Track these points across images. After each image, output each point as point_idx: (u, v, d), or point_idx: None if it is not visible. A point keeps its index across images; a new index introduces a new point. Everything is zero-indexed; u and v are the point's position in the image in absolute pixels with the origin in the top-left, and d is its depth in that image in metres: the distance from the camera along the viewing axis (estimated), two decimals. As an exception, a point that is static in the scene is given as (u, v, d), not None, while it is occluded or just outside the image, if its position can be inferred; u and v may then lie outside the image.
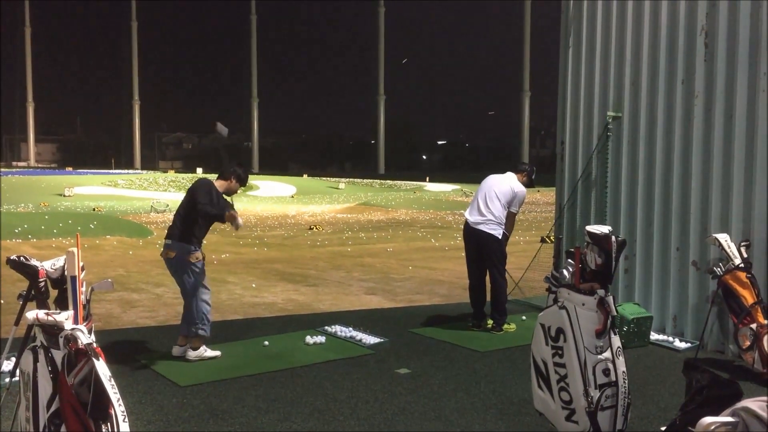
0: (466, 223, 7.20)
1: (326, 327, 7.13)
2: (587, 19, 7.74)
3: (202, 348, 6.04)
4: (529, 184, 7.42)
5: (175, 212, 6.19)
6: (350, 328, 7.03)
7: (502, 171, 7.46)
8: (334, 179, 54.51)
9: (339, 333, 6.92)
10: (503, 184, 7.18)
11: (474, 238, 7.13)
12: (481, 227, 7.05)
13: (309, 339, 6.61)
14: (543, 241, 8.74)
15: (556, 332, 3.96)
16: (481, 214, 7.08)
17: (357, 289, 9.99)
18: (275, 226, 22.01)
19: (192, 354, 6.00)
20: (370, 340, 6.66)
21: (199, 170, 52.56)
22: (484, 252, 7.13)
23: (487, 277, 7.22)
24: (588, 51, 7.75)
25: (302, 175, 56.61)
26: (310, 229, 20.89)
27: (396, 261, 13.34)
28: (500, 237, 7.08)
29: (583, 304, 3.87)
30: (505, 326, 7.13)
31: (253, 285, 10.09)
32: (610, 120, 7.45)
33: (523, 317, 7.60)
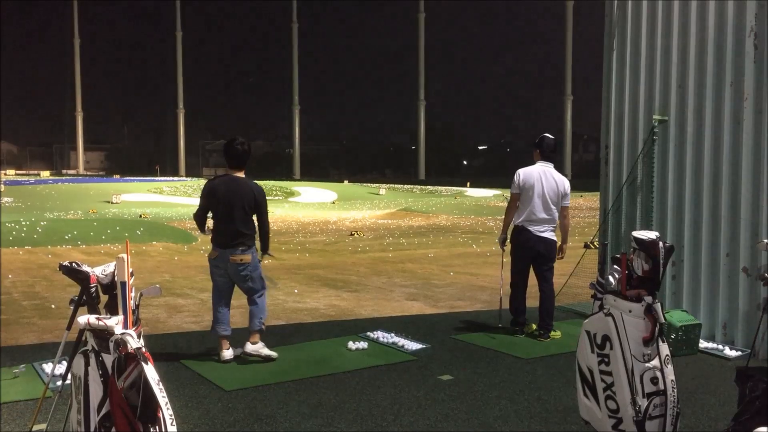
0: (528, 231, 6.94)
1: (368, 333, 7.14)
2: (632, 20, 7.63)
3: (261, 343, 6.15)
4: (550, 158, 7.11)
5: (232, 218, 6.06)
6: (392, 334, 7.03)
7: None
8: (374, 185, 54.66)
9: (381, 339, 6.92)
10: (553, 184, 6.95)
11: (538, 245, 6.94)
12: (545, 234, 6.92)
13: (351, 345, 6.62)
14: (587, 246, 8.63)
15: (602, 339, 3.90)
16: (542, 221, 6.92)
17: (398, 295, 9.99)
18: (317, 232, 22.15)
19: (250, 348, 6.10)
20: (413, 346, 6.65)
21: (242, 177, 53.24)
22: (544, 257, 6.99)
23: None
24: (633, 53, 7.64)
25: (343, 181, 56.89)
26: (351, 235, 20.98)
27: (437, 267, 13.30)
28: (557, 240, 7.03)
29: (630, 311, 3.81)
30: (552, 333, 7.04)
31: (296, 291, 10.17)
32: (656, 123, 7.32)
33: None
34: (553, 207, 6.93)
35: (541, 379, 5.72)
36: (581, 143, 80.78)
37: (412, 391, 5.34)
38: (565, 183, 7.02)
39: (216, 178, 6.35)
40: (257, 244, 6.22)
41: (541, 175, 6.97)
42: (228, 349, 6.17)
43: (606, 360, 3.88)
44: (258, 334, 6.18)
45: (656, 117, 7.32)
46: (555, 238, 7.01)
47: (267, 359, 6.13)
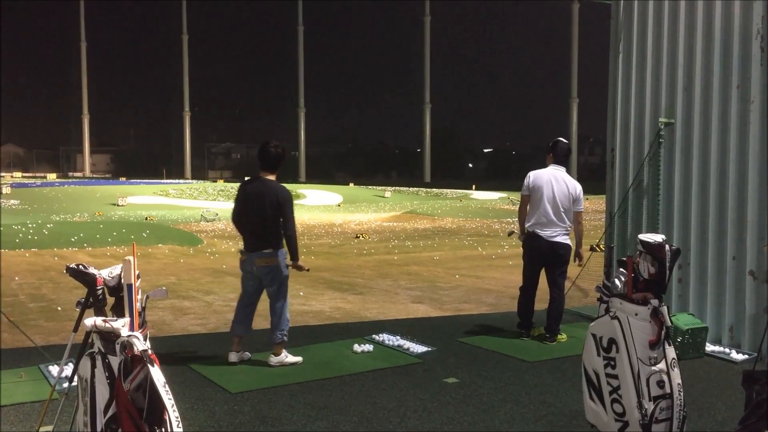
0: (539, 236, 6.90)
1: (374, 335, 7.14)
2: (638, 22, 7.62)
3: (284, 353, 6.13)
4: (563, 162, 7.11)
5: (256, 219, 6.09)
6: (398, 337, 7.03)
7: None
8: (380, 188, 54.64)
9: (386, 341, 6.92)
10: (563, 187, 6.90)
11: (549, 250, 6.90)
12: (558, 239, 6.88)
13: (357, 347, 6.62)
14: (592, 249, 8.61)
15: (608, 343, 3.89)
16: (553, 225, 6.88)
17: (404, 298, 9.99)
18: (322, 235, 22.17)
19: (274, 360, 6.09)
20: (418, 349, 6.65)
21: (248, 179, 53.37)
22: (556, 262, 6.96)
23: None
24: (639, 56, 7.63)
25: (348, 184, 56.90)
26: (357, 237, 20.98)
27: (443, 269, 13.30)
28: (570, 245, 6.99)
29: (636, 315, 3.80)
30: (558, 336, 7.03)
31: (301, 293, 10.18)
32: (662, 126, 7.31)
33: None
34: (564, 211, 6.90)
35: (547, 382, 5.71)
36: (587, 146, 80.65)
37: (418, 394, 5.34)
38: (576, 187, 6.99)
39: (248, 180, 6.37)
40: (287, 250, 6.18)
41: (552, 179, 6.95)
42: (238, 351, 6.16)
43: (612, 363, 3.87)
44: (280, 345, 6.14)
45: (662, 120, 7.30)
46: (568, 242, 6.97)
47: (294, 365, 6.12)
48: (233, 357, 6.14)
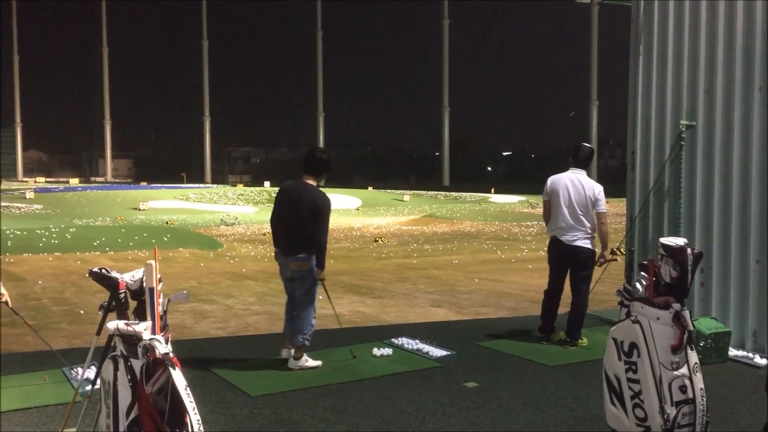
0: (559, 241, 6.88)
1: (393, 339, 7.14)
2: (658, 23, 7.56)
3: (305, 357, 6.15)
4: (583, 165, 7.04)
5: (288, 224, 6.13)
6: (417, 341, 7.02)
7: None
8: (398, 191, 54.65)
9: (406, 345, 6.91)
10: (580, 191, 6.84)
11: (570, 254, 6.86)
12: (578, 243, 6.82)
13: (376, 351, 6.63)
14: (612, 253, 8.54)
15: (630, 347, 3.86)
16: (573, 230, 6.83)
17: (423, 302, 9.98)
18: (341, 239, 22.21)
19: (294, 364, 6.11)
20: (437, 352, 6.64)
21: (267, 184, 53.58)
22: (578, 266, 6.91)
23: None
24: (659, 57, 7.57)
25: (367, 188, 56.95)
26: (376, 241, 21.00)
27: (462, 273, 13.27)
28: (594, 249, 6.92)
29: (658, 319, 3.77)
30: (578, 340, 6.98)
31: (320, 297, 10.18)
32: (684, 129, 7.24)
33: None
34: (582, 214, 6.85)
35: (568, 386, 5.67)
36: (607, 149, 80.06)
37: (437, 398, 5.33)
38: (595, 188, 6.90)
39: (289, 182, 6.38)
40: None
41: (569, 182, 6.91)
42: (288, 348, 6.23)
43: (633, 368, 3.84)
44: (301, 349, 6.15)
45: (684, 122, 7.24)
46: (589, 247, 6.90)
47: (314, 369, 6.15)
48: (284, 353, 6.22)
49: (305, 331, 6.13)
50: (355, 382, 5.77)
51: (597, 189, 6.91)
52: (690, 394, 3.72)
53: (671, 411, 3.68)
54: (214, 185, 62.95)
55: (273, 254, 6.48)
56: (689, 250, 3.85)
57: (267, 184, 53.62)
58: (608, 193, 7.86)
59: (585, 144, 7.20)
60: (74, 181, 62.59)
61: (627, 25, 8.00)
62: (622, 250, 8.90)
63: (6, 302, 5.32)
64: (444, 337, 7.31)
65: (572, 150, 7.16)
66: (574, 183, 6.91)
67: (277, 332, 6.52)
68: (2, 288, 5.31)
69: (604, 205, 6.96)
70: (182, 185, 58.23)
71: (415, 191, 56.77)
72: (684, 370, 3.75)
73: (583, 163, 7.07)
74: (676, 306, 3.75)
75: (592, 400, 5.16)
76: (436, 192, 57.93)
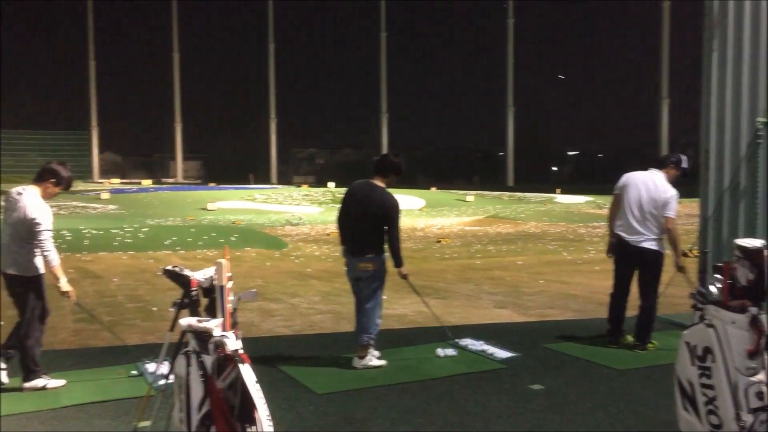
0: (625, 241, 6.72)
1: (457, 340, 7.11)
2: (733, 19, 7.30)
3: (369, 356, 6.20)
4: (683, 175, 6.89)
5: (356, 224, 6.20)
6: (481, 342, 6.97)
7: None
8: (462, 192, 54.30)
9: (470, 346, 6.88)
10: (652, 192, 6.66)
11: (636, 256, 6.70)
12: (645, 244, 6.64)
13: (440, 351, 6.61)
14: (684, 254, 8.26)
15: (703, 352, 3.75)
16: (639, 230, 6.64)
17: (487, 302, 9.90)
18: (404, 239, 22.15)
19: (359, 363, 6.16)
20: (502, 354, 6.58)
21: (331, 184, 54.08)
22: (645, 269, 6.74)
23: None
24: (734, 54, 7.31)
25: (430, 188, 56.79)
26: (438, 242, 20.94)
27: (526, 274, 13.10)
28: (663, 252, 6.74)
29: (734, 323, 3.65)
30: (649, 344, 6.80)
31: (384, 297, 10.23)
32: (761, 126, 6.97)
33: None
34: (650, 214, 6.66)
35: (637, 391, 5.54)
36: (678, 148, 77.69)
37: (503, 400, 5.29)
38: (667, 192, 6.67)
39: (357, 182, 6.44)
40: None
41: (642, 181, 6.73)
42: (363, 357, 6.17)
43: (707, 373, 3.73)
44: (365, 348, 6.20)
45: (761, 119, 6.97)
46: (657, 249, 6.70)
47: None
48: (360, 362, 6.22)
49: (370, 330, 6.17)
50: (420, 382, 5.78)
51: (669, 193, 6.69)
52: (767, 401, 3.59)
53: (748, 418, 3.56)
54: (280, 186, 63.94)
55: (338, 254, 6.55)
56: (767, 252, 3.72)
57: (331, 184, 54.12)
58: (680, 194, 7.61)
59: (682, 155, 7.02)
60: (146, 183, 64.60)
61: (700, 21, 7.76)
62: (693, 252, 8.63)
63: (69, 296, 5.57)
64: (509, 338, 7.23)
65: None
66: (647, 182, 6.73)
67: (342, 331, 6.59)
68: (68, 285, 5.55)
69: (673, 210, 6.71)
70: (249, 186, 59.32)
71: (479, 191, 56.28)
72: (761, 376, 3.61)
73: (661, 164, 6.90)
74: (753, 310, 3.62)
75: (663, 405, 5.02)
76: (500, 192, 57.30)
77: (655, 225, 6.65)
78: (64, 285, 5.53)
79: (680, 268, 6.79)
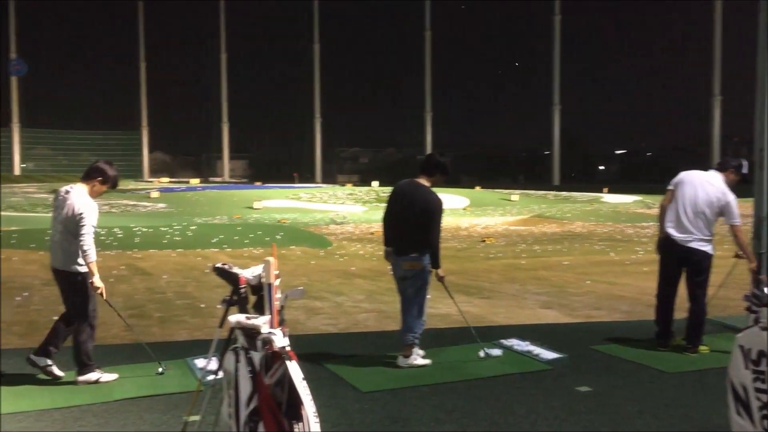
0: (672, 240, 6.60)
1: (502, 340, 7.06)
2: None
3: (414, 355, 6.21)
4: (741, 180, 6.76)
5: (400, 223, 6.22)
6: (527, 342, 6.92)
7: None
8: (506, 191, 53.82)
9: (515, 347, 6.83)
10: (709, 193, 6.52)
11: (683, 256, 6.57)
12: (693, 244, 6.51)
13: (484, 351, 6.58)
14: (737, 256, 8.05)
15: (758, 355, 3.66)
16: (689, 229, 6.51)
17: (532, 303, 9.81)
18: (448, 238, 22.15)
19: (403, 362, 6.18)
20: (548, 355, 6.51)
21: (375, 183, 54.21)
22: (692, 270, 6.61)
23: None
24: (791, 49, 7.09)
25: (474, 187, 56.47)
26: (483, 241, 20.82)
27: (572, 275, 12.92)
28: (712, 253, 6.59)
29: (790, 326, 3.55)
30: (700, 347, 6.65)
31: (428, 296, 10.22)
32: (818, 124, 6.75)
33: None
34: (702, 214, 6.50)
35: (688, 394, 5.43)
36: (730, 146, 75.56)
37: (549, 402, 5.24)
38: (725, 197, 6.51)
39: (403, 182, 6.47)
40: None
41: (699, 181, 6.60)
42: (407, 356, 6.17)
43: (762, 377, 3.64)
44: (410, 347, 6.21)
45: (819, 116, 6.75)
46: (705, 249, 6.55)
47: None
48: (404, 361, 6.24)
49: (415, 329, 6.17)
50: (464, 382, 5.77)
51: (729, 197, 6.53)
52: (826, 408, 3.48)
53: (804, 425, 3.46)
54: (324, 185, 64.38)
55: (381, 253, 6.57)
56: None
57: (375, 183, 54.25)
58: (733, 194, 7.41)
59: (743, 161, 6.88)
60: (194, 181, 65.72)
61: (754, 18, 7.56)
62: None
63: (101, 294, 5.70)
64: (555, 339, 7.16)
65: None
66: (704, 183, 6.60)
67: (386, 330, 6.61)
68: (100, 281, 5.68)
69: (737, 216, 6.56)
70: (294, 185, 59.84)
71: (524, 191, 55.72)
72: (819, 382, 3.51)
73: (720, 166, 6.78)
74: (811, 313, 3.52)
75: (715, 409, 4.91)
76: (545, 191, 56.61)
77: (706, 226, 6.51)
78: (97, 281, 5.65)
79: (755, 272, 6.62)
